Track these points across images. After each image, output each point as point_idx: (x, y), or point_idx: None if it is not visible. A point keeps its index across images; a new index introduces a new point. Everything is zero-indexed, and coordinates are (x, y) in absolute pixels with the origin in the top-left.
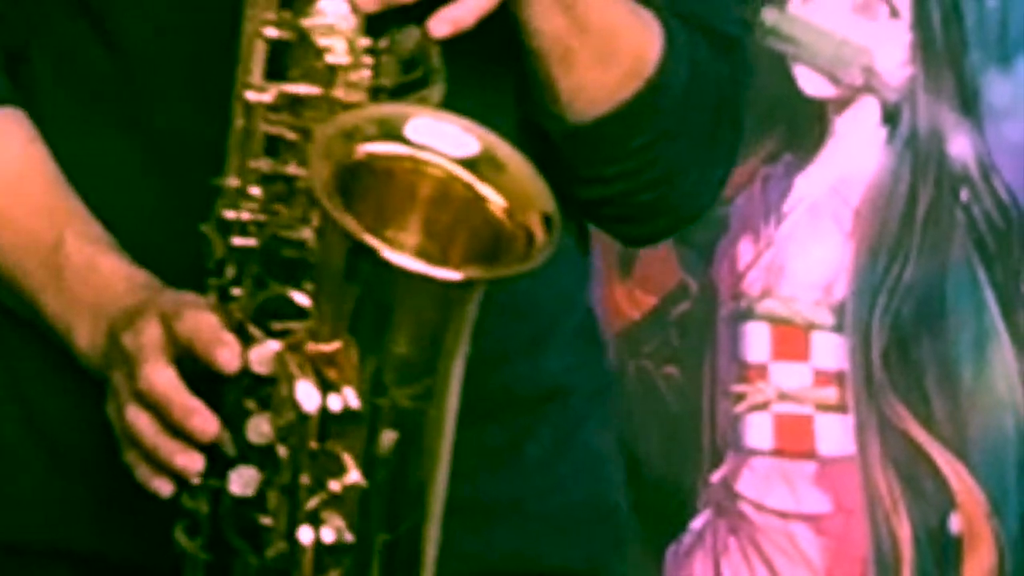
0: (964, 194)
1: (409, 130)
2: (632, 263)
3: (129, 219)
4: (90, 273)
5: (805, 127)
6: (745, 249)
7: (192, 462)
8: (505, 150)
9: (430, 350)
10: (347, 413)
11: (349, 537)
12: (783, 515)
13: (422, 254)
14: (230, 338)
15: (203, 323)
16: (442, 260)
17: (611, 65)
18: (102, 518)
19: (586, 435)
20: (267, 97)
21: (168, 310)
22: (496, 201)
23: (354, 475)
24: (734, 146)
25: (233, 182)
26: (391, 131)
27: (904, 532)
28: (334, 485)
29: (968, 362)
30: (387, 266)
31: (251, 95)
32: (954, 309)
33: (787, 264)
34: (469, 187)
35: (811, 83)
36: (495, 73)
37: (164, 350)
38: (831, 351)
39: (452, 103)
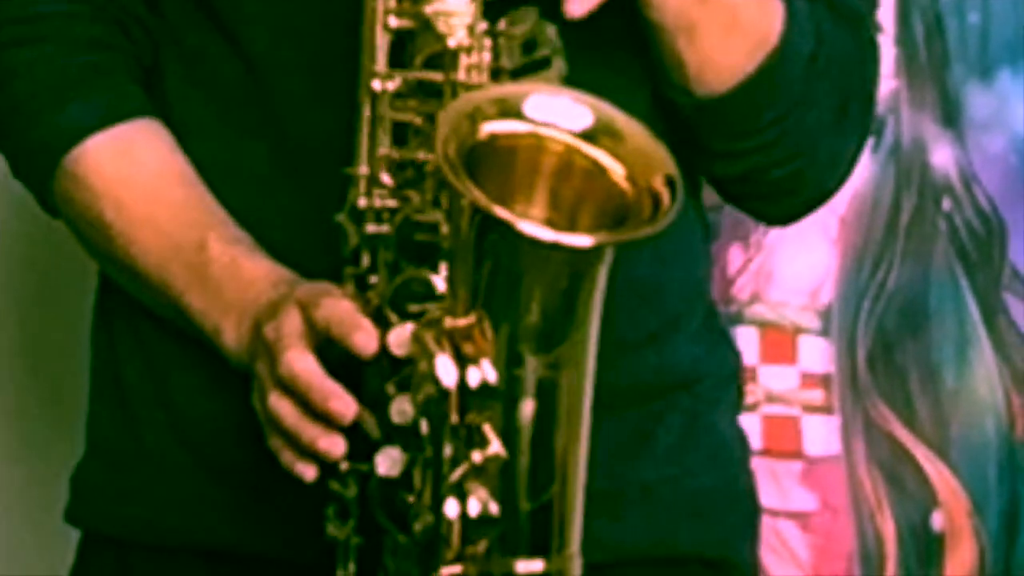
0: (946, 203)
1: (527, 107)
2: None
3: (265, 218)
4: (233, 272)
5: None
6: (735, 255)
7: (334, 445)
8: (621, 118)
9: (563, 319)
10: (485, 386)
11: (494, 508)
12: (771, 513)
13: (550, 226)
14: (366, 322)
15: (340, 309)
16: (570, 230)
17: (734, 36)
18: (245, 517)
19: (714, 421)
20: (392, 85)
21: (306, 299)
22: (617, 169)
23: (495, 446)
24: (866, 120)
25: (363, 170)
26: (510, 110)
27: (888, 529)
28: (476, 457)
29: (950, 366)
30: (518, 237)
31: (377, 84)
32: (936, 314)
33: (775, 270)
34: (589, 158)
35: None
36: (624, 53)
37: (303, 337)
38: (817, 354)
39: (584, 84)
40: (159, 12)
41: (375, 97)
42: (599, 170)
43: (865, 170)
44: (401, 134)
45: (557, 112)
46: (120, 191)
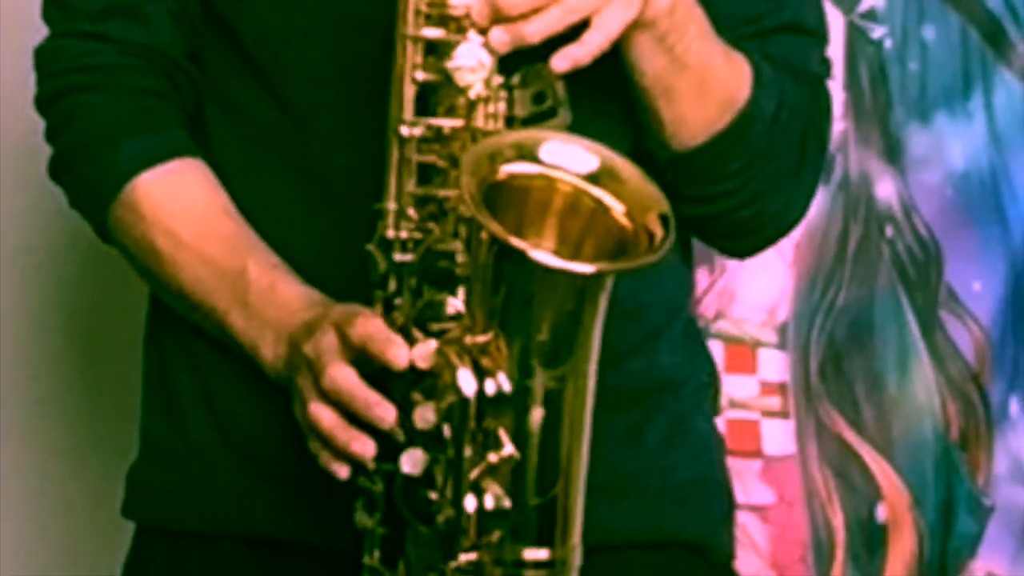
0: (889, 231)
1: (542, 152)
2: None
3: (298, 247)
4: (271, 295)
5: None
6: (701, 277)
7: (365, 447)
8: (622, 163)
9: (569, 336)
10: (500, 395)
11: (507, 502)
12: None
13: (558, 255)
14: (398, 338)
15: (373, 327)
16: (575, 259)
17: (707, 99)
18: (284, 508)
19: (695, 421)
20: (418, 131)
21: (341, 319)
22: (618, 208)
23: (509, 448)
24: (819, 168)
25: (391, 206)
26: (527, 153)
27: (838, 521)
28: (492, 458)
29: (892, 375)
30: (530, 264)
31: (404, 129)
32: (880, 329)
33: (737, 290)
34: (594, 198)
35: None
36: (613, 109)
37: (342, 353)
38: (775, 365)
39: (578, 132)
40: (202, 64)
41: (403, 141)
42: (602, 208)
43: (817, 202)
44: (425, 174)
45: (567, 157)
46: (169, 222)
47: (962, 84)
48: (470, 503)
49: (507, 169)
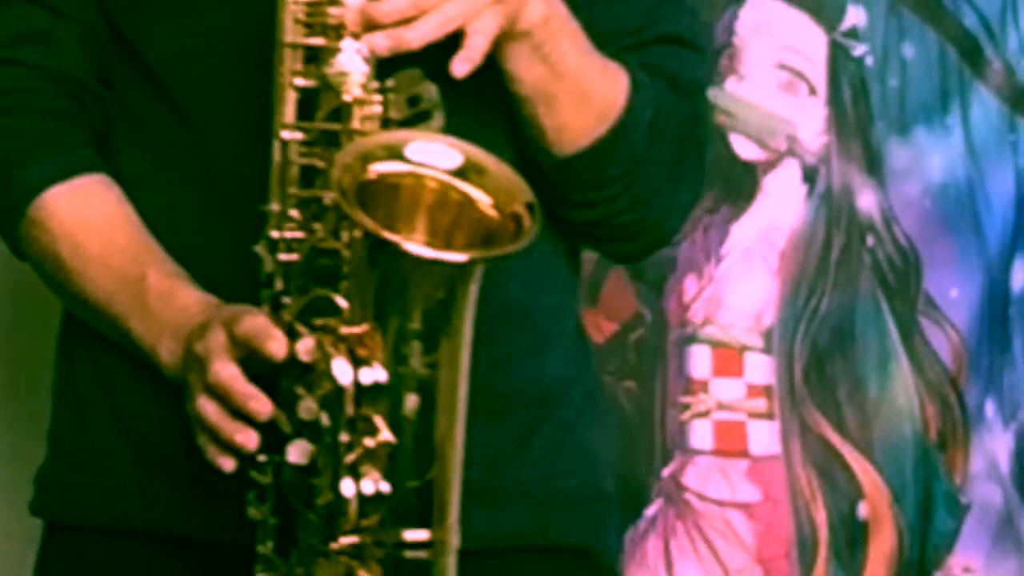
0: (870, 240)
1: (409, 151)
2: (597, 295)
3: (196, 254)
4: (169, 300)
5: (739, 184)
6: (690, 285)
7: (249, 439)
8: (486, 157)
9: (442, 325)
10: (376, 383)
11: (385, 486)
12: (721, 504)
13: (429, 247)
14: (278, 332)
15: (256, 323)
16: (446, 250)
17: (586, 106)
18: (184, 505)
19: (581, 431)
20: (299, 135)
21: (228, 318)
22: (484, 200)
23: (385, 434)
24: (699, 173)
25: (275, 207)
26: (395, 153)
27: (821, 518)
28: (369, 443)
29: (873, 378)
30: (403, 256)
31: (285, 134)
32: (862, 334)
33: (724, 297)
34: (461, 192)
35: (744, 148)
36: (497, 119)
37: (227, 350)
38: (761, 369)
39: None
40: (111, 84)
41: (284, 145)
42: (469, 201)
43: (801, 212)
44: (307, 176)
45: (433, 154)
46: (75, 235)
47: (940, 100)
48: (348, 487)
49: (377, 168)
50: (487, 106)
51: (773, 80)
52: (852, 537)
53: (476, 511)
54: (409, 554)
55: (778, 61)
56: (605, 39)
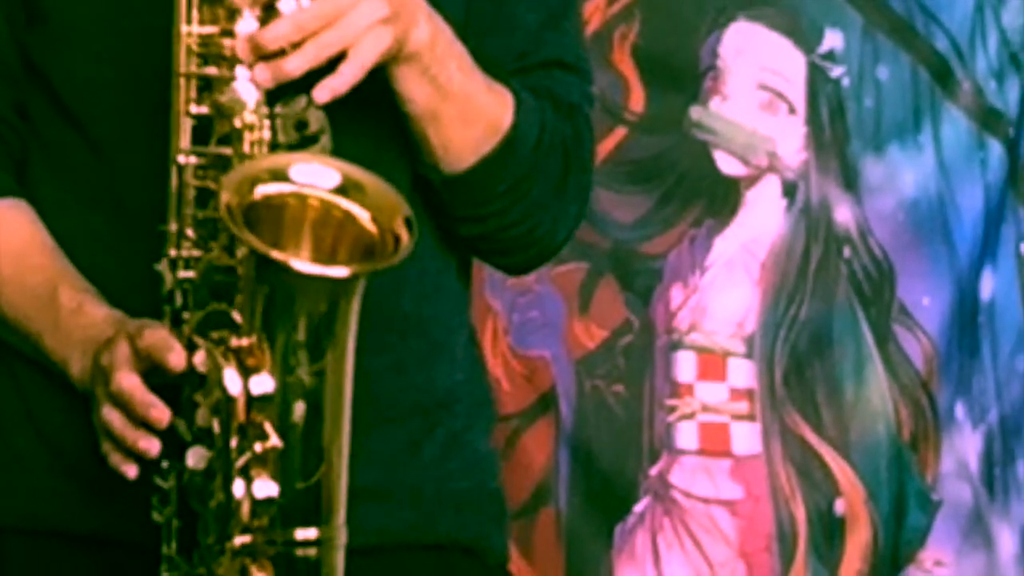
0: (846, 251)
1: (292, 173)
2: (588, 304)
3: (108, 273)
4: (78, 317)
5: (722, 199)
6: (676, 294)
7: (151, 445)
8: (364, 176)
9: (326, 337)
10: (264, 392)
11: (274, 488)
12: (705, 501)
13: (313, 263)
14: (177, 345)
15: (157, 336)
16: (330, 265)
17: (472, 125)
18: (95, 506)
19: (471, 437)
20: (194, 159)
21: (132, 331)
22: (364, 216)
23: (274, 439)
24: (584, 190)
25: (173, 227)
26: (279, 175)
27: (800, 514)
28: (258, 448)
29: (850, 381)
30: (287, 271)
31: (181, 158)
32: (839, 340)
33: (709, 305)
34: (341, 209)
35: (727, 164)
36: (387, 137)
37: (130, 361)
38: (743, 373)
39: (356, 160)
40: (27, 116)
41: (180, 169)
42: (350, 218)
43: (781, 225)
44: (203, 198)
45: (314, 175)
46: None
47: (913, 119)
48: (239, 489)
49: (263, 190)
50: (379, 126)
51: (755, 100)
52: (830, 532)
53: (370, 510)
54: (299, 552)
55: (759, 82)
56: (492, 64)
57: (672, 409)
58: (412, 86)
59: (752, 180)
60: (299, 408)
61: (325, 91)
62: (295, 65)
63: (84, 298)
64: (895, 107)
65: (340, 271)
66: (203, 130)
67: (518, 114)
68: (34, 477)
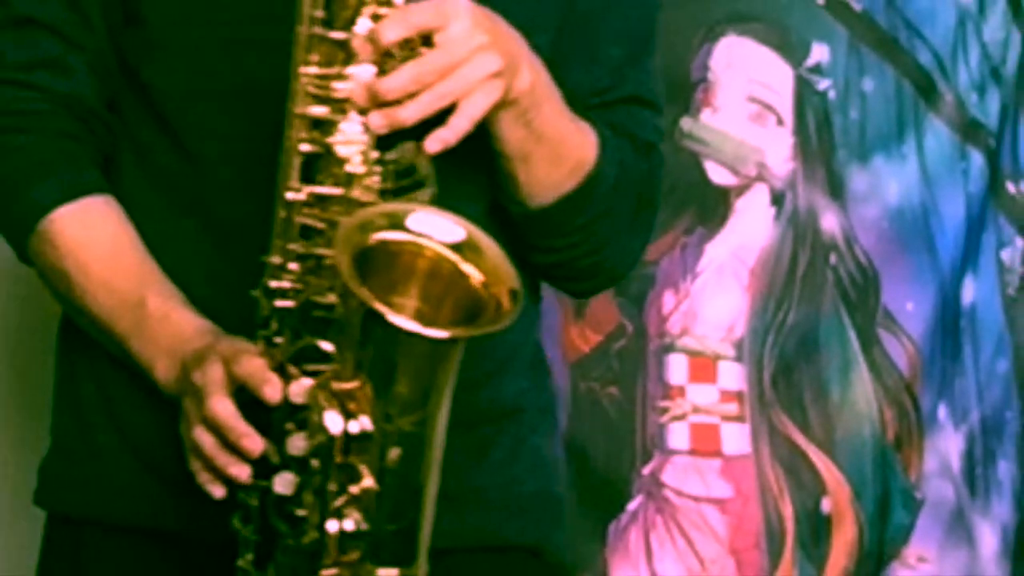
0: (833, 258)
1: (411, 222)
2: (583, 309)
3: (194, 282)
4: (166, 323)
5: (713, 207)
6: (668, 299)
7: (242, 471)
8: (483, 238)
9: (425, 388)
10: (363, 435)
11: (365, 527)
12: (696, 499)
13: (419, 315)
14: (274, 377)
15: (254, 366)
16: (433, 321)
17: (559, 165)
18: (172, 504)
19: (536, 442)
20: (302, 196)
21: (227, 354)
22: (476, 276)
23: (368, 481)
24: (651, 224)
25: (276, 260)
26: (397, 222)
27: (788, 512)
28: (354, 489)
29: (836, 384)
30: (392, 326)
31: (290, 194)
32: (825, 344)
33: (699, 310)
34: (455, 265)
35: (717, 174)
36: (469, 171)
37: (225, 386)
38: (733, 376)
39: (440, 191)
40: (118, 113)
41: (288, 205)
42: (461, 275)
43: (770, 233)
44: (306, 233)
45: (434, 227)
46: (80, 254)
47: (897, 130)
48: (332, 526)
49: (378, 236)
50: (460, 156)
51: (744, 112)
52: (816, 530)
53: (437, 515)
54: None
55: (749, 94)
56: (575, 98)
57: (664, 410)
58: (507, 128)
59: (741, 189)
60: (394, 453)
61: (436, 142)
62: (409, 114)
63: (172, 305)
64: (880, 119)
65: (441, 333)
66: (308, 166)
67: (601, 153)
68: (114, 473)
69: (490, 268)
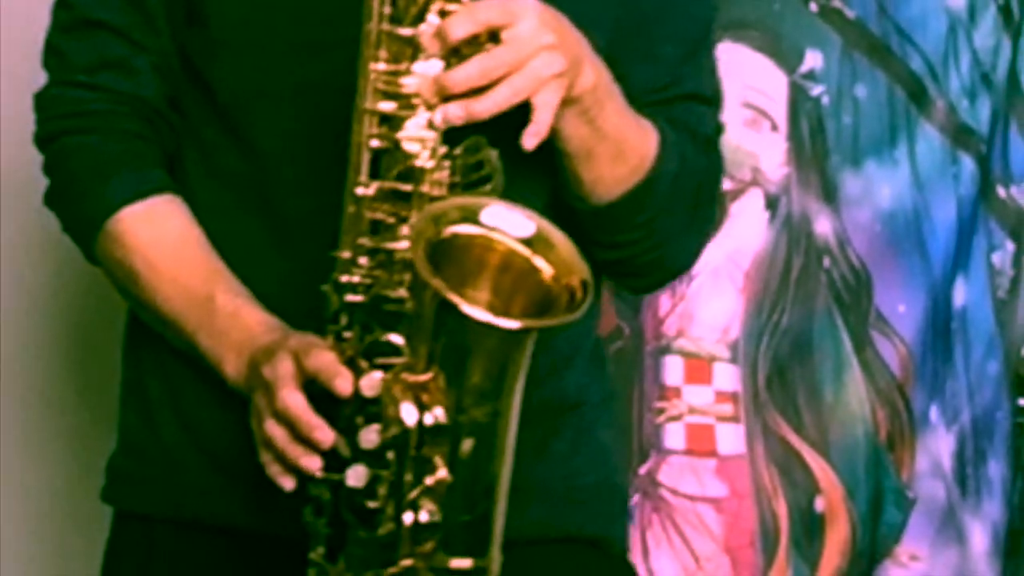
0: (826, 261)
1: (483, 215)
2: None
3: (261, 279)
4: (235, 320)
5: None
6: (664, 302)
7: (313, 463)
8: (554, 232)
9: (498, 379)
10: (437, 427)
11: (439, 518)
12: (692, 498)
13: (491, 307)
14: (345, 371)
15: (325, 359)
16: (505, 312)
17: (622, 161)
18: (241, 501)
19: (597, 434)
20: (371, 191)
21: (298, 349)
22: (546, 270)
23: (443, 472)
24: (711, 219)
25: (346, 255)
26: (470, 216)
27: (782, 511)
28: (429, 480)
29: (829, 385)
30: (465, 317)
31: (360, 189)
32: (819, 346)
33: (695, 312)
34: (527, 259)
35: None
36: (529, 168)
37: (295, 379)
38: (728, 377)
39: (503, 191)
40: (182, 112)
41: (357, 200)
42: (533, 268)
43: (764, 236)
44: (375, 228)
45: (506, 221)
46: (148, 252)
47: (889, 135)
48: (407, 518)
49: (452, 229)
50: (522, 155)
51: (739, 117)
52: (810, 529)
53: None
54: None
55: (743, 100)
56: (635, 95)
57: (660, 411)
58: (571, 126)
59: (736, 194)
60: (468, 444)
61: (532, 138)
62: (485, 107)
63: (240, 302)
64: (872, 124)
65: (513, 323)
66: (376, 161)
67: (662, 150)
68: (181, 470)
69: (561, 261)
